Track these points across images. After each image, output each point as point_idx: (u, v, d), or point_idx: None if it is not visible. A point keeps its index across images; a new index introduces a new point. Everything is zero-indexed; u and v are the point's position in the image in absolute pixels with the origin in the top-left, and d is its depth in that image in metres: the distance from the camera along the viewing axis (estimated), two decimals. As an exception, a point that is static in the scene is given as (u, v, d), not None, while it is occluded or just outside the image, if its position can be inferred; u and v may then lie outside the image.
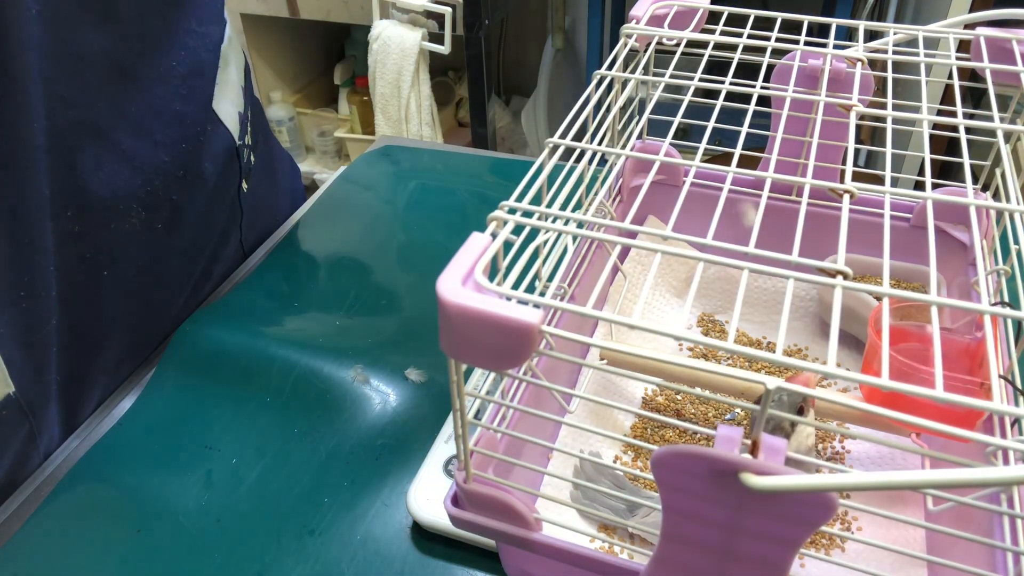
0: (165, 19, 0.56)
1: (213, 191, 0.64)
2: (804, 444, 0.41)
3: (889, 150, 0.39)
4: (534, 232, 0.32)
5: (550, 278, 0.41)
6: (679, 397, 0.52)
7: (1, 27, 0.44)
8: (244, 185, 0.68)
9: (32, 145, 0.47)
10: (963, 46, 0.46)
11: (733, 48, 0.45)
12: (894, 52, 0.46)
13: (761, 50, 0.45)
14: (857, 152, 1.76)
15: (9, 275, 0.48)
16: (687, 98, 0.43)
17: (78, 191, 0.51)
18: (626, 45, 0.46)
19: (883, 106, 0.42)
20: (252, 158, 0.69)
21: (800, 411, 0.39)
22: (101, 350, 0.58)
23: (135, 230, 0.56)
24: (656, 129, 0.55)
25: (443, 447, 0.50)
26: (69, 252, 0.52)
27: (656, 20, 0.49)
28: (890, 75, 0.45)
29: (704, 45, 0.46)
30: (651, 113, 0.48)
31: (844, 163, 0.36)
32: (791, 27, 0.46)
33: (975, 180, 0.42)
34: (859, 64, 0.44)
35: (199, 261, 0.66)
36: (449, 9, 1.37)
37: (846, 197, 0.32)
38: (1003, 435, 0.37)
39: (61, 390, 0.54)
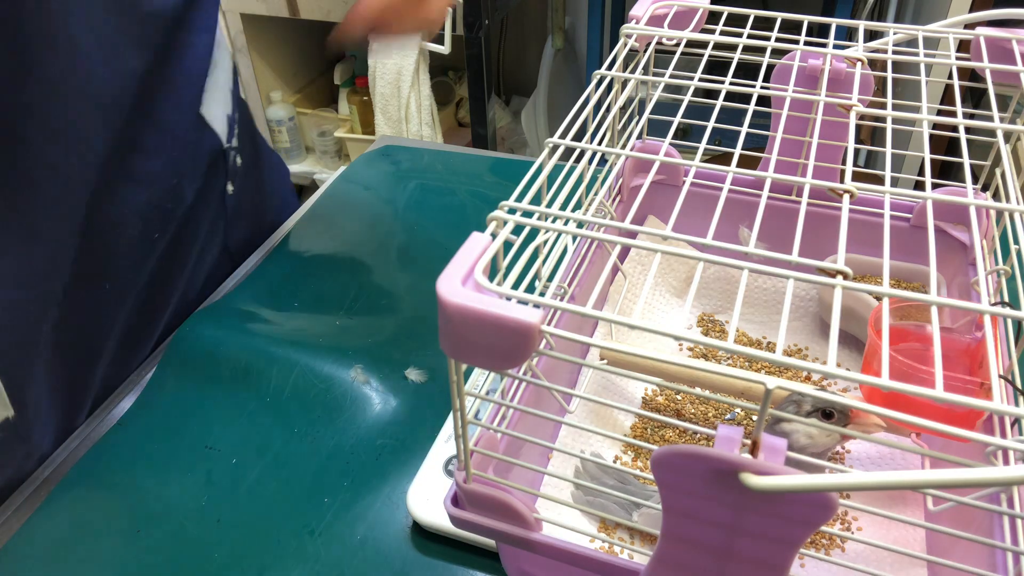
0: (165, 35, 0.56)
1: (199, 195, 0.63)
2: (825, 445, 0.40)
3: (889, 150, 0.39)
4: (534, 232, 0.32)
5: (550, 278, 0.41)
6: (679, 397, 0.52)
7: (72, 55, 0.46)
8: (229, 187, 0.68)
9: (76, 165, 0.48)
10: (963, 46, 0.46)
11: (733, 48, 0.45)
12: (894, 52, 0.46)
13: (761, 50, 0.45)
14: (857, 152, 1.76)
15: (18, 295, 0.48)
16: (687, 98, 0.43)
17: (89, 209, 0.51)
18: (626, 45, 0.46)
19: (883, 106, 0.42)
20: (238, 160, 0.68)
21: (830, 416, 0.39)
22: (97, 363, 0.57)
23: (133, 243, 0.56)
24: (656, 129, 0.55)
25: (443, 447, 0.50)
26: (74, 270, 0.52)
27: (656, 20, 0.49)
28: (890, 75, 0.45)
29: (704, 45, 0.46)
30: (651, 113, 0.48)
31: (844, 163, 0.36)
32: (791, 27, 0.46)
33: (975, 180, 0.42)
34: (859, 64, 0.44)
35: (185, 264, 0.65)
36: (449, 9, 1.37)
37: (846, 197, 0.32)
38: (1003, 435, 0.37)
39: (55, 405, 0.54)
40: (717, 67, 0.43)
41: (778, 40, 0.44)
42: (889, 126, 0.40)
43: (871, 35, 0.48)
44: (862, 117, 0.39)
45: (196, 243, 0.66)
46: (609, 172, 0.47)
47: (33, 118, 0.45)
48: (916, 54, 0.44)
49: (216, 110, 0.63)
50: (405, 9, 0.53)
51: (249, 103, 0.84)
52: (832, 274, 0.27)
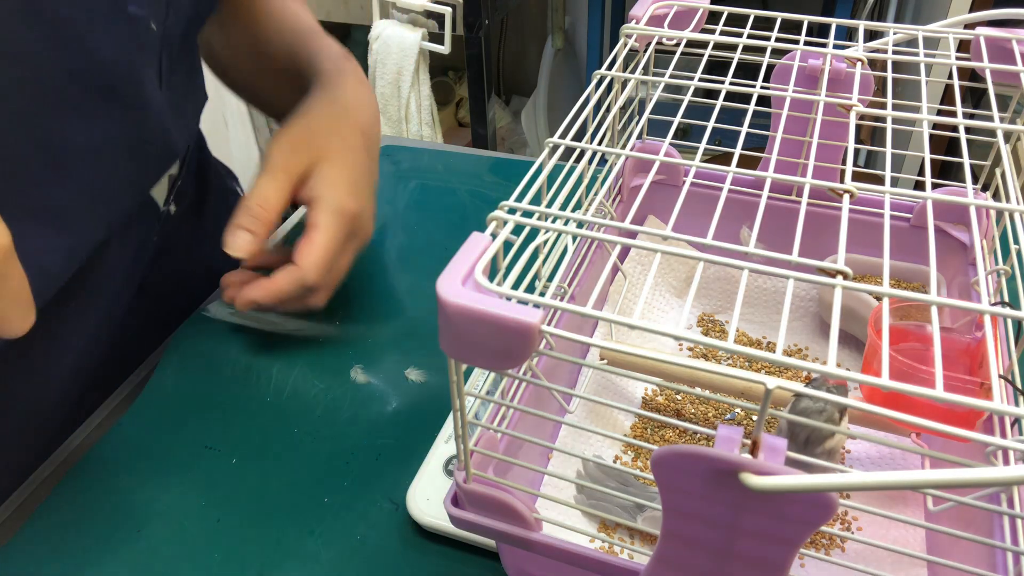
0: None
1: (121, 254, 0.58)
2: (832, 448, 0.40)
3: (889, 150, 0.39)
4: (534, 232, 0.32)
5: (550, 278, 0.41)
6: (679, 397, 0.52)
7: (100, 176, 0.49)
8: (154, 236, 0.63)
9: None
10: (963, 46, 0.46)
11: (733, 48, 0.45)
12: (894, 52, 0.46)
13: (761, 50, 0.45)
14: (857, 152, 1.76)
15: None
16: (687, 98, 0.43)
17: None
18: (626, 45, 0.46)
19: (883, 106, 0.42)
20: (172, 208, 0.64)
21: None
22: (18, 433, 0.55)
23: (67, 320, 0.55)
24: (656, 129, 0.55)
25: (443, 447, 0.50)
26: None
27: (656, 20, 0.49)
28: (890, 75, 0.45)
29: (704, 45, 0.46)
30: (651, 113, 0.48)
31: (844, 163, 0.36)
32: (791, 27, 0.46)
33: (975, 180, 0.42)
34: (859, 64, 0.44)
35: (94, 313, 0.59)
36: (449, 9, 1.37)
37: (846, 197, 0.32)
38: (1003, 435, 0.37)
39: None
40: (717, 67, 0.43)
41: (778, 40, 0.44)
42: (889, 126, 0.40)
43: (871, 35, 0.48)
44: (862, 117, 0.39)
45: (107, 293, 0.59)
46: (609, 172, 0.47)
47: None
48: (916, 54, 0.44)
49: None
50: (291, 302, 0.57)
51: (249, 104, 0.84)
52: (832, 274, 0.27)
